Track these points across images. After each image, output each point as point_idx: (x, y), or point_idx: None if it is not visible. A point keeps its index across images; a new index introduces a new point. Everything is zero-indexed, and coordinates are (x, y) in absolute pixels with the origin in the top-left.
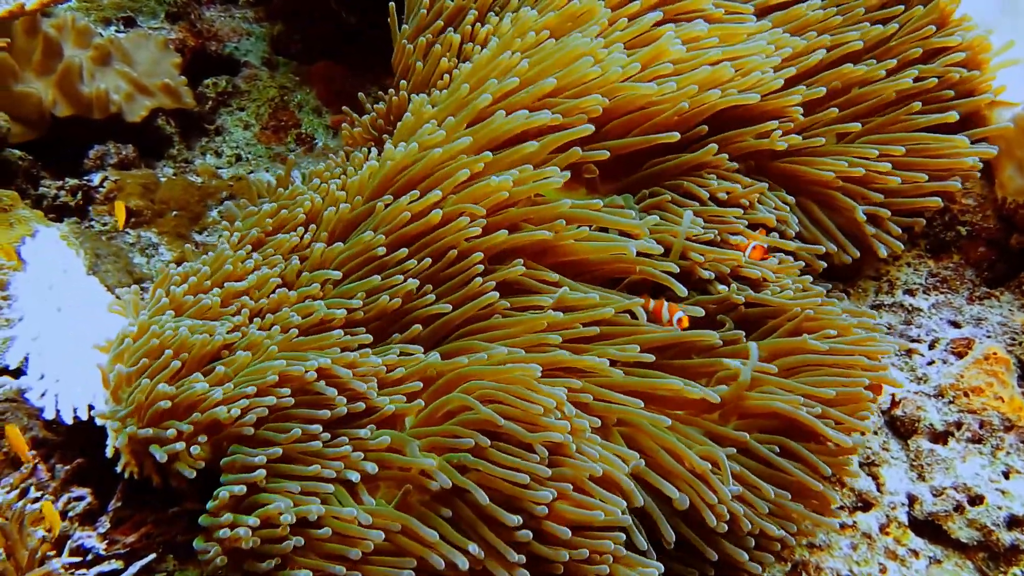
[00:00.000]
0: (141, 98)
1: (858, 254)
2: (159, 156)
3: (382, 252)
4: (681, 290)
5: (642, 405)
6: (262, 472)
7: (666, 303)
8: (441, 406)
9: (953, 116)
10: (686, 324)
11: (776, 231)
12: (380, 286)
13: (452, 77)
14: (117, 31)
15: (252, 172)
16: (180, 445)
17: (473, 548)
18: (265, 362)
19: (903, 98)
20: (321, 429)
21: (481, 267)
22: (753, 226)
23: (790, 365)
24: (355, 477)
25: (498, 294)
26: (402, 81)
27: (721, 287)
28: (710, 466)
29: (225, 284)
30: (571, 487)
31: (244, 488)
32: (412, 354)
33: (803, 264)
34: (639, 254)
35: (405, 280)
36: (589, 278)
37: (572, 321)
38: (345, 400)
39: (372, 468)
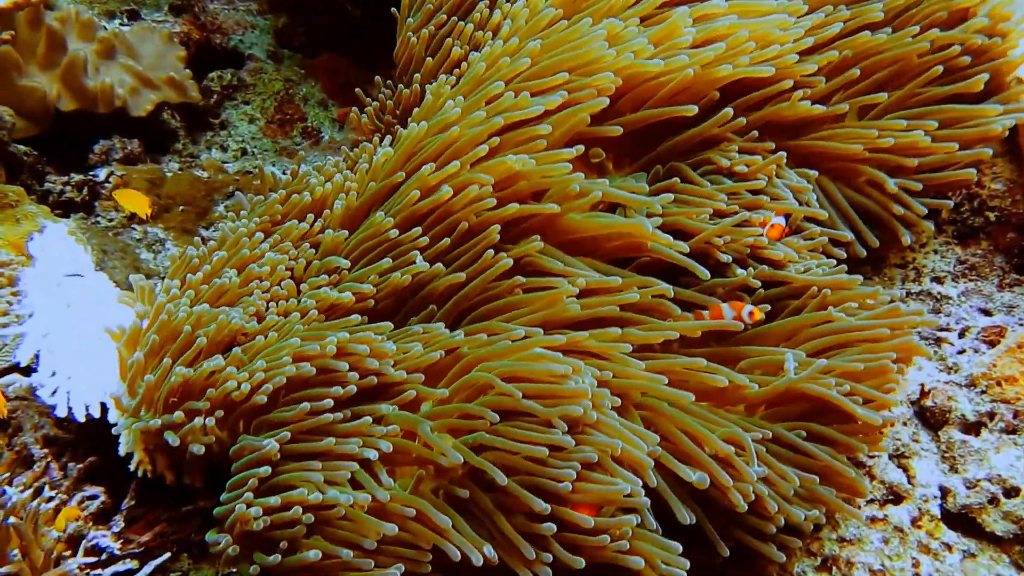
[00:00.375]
0: (146, 92)
1: (877, 243)
2: (164, 151)
3: (395, 234)
4: (704, 273)
5: (666, 381)
6: (275, 446)
7: (725, 304)
8: (460, 388)
9: (980, 82)
10: (759, 317)
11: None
12: (393, 266)
13: (470, 62)
14: (121, 24)
15: (257, 167)
16: (198, 420)
17: (488, 551)
18: (281, 342)
19: (925, 67)
20: (332, 404)
21: (496, 237)
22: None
23: (817, 347)
24: (373, 455)
25: (512, 261)
26: (416, 74)
27: (740, 271)
28: (733, 449)
29: (247, 268)
30: (595, 457)
31: (269, 469)
32: (432, 332)
33: (826, 240)
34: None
35: (417, 259)
36: (599, 257)
37: (596, 304)
38: (357, 376)
39: (387, 446)
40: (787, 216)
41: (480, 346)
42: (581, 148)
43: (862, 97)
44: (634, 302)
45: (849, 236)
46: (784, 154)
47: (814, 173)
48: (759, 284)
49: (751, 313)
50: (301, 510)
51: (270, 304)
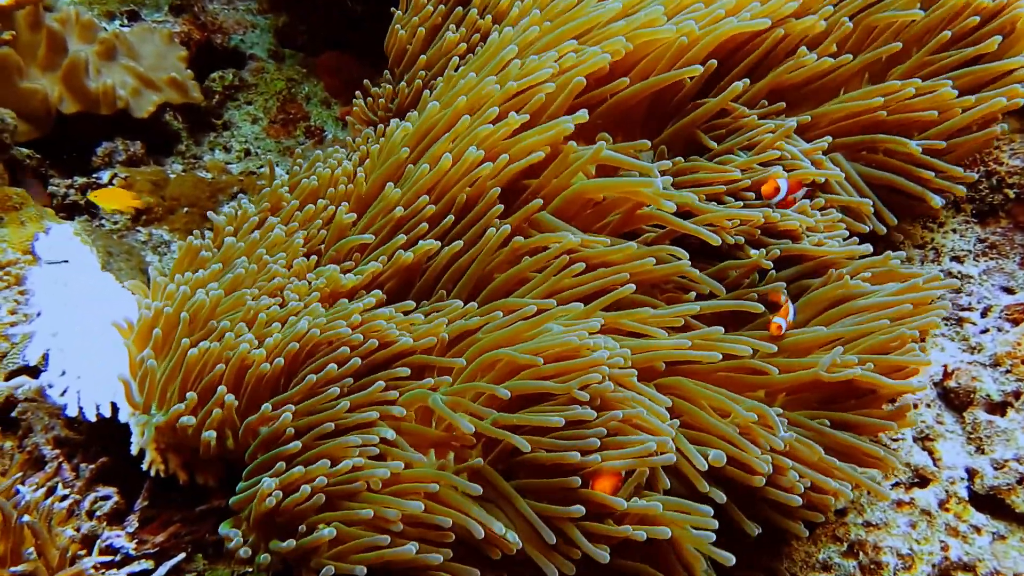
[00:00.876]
0: (148, 93)
1: (895, 221)
2: (167, 152)
3: (400, 212)
4: (715, 240)
5: (689, 345)
6: (288, 416)
7: (792, 306)
8: (475, 371)
9: (995, 43)
10: (776, 332)
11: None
12: (400, 244)
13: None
14: (121, 25)
15: (262, 167)
16: (220, 389)
17: (512, 536)
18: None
19: (933, 27)
20: (346, 375)
21: (498, 204)
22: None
23: (836, 326)
24: (390, 435)
25: (509, 228)
26: (411, 66)
27: (754, 252)
28: (756, 417)
29: (256, 253)
30: (621, 414)
31: (299, 444)
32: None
33: (837, 214)
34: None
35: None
36: (605, 233)
37: (609, 273)
38: (376, 343)
39: (400, 410)
40: (802, 186)
41: (494, 329)
42: (585, 112)
43: (872, 52)
44: (651, 272)
45: (868, 206)
46: (794, 122)
47: (825, 143)
48: (771, 265)
49: (776, 324)
50: (309, 489)
51: (287, 288)
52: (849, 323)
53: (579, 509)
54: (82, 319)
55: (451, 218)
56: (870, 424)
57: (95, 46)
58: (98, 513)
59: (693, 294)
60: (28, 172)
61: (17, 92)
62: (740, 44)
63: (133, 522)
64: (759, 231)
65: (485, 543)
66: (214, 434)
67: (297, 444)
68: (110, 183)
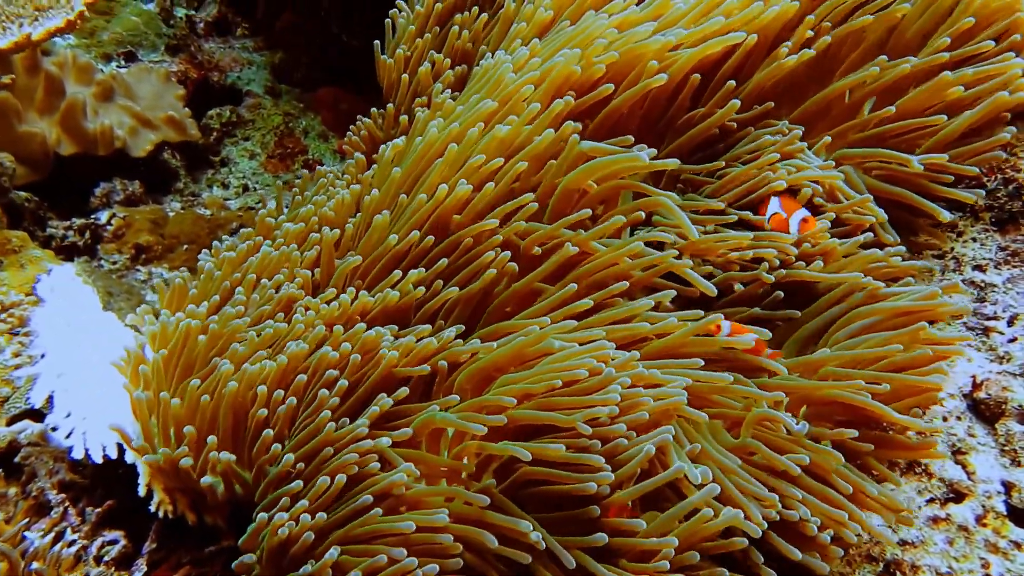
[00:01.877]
0: (145, 132)
1: (897, 240)
2: (166, 191)
3: (394, 240)
4: (693, 233)
5: (702, 364)
6: (290, 457)
7: (725, 322)
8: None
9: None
10: (714, 331)
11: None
12: (393, 280)
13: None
14: (118, 66)
15: (260, 202)
16: (211, 439)
17: (536, 536)
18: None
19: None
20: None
21: (495, 221)
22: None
23: (850, 345)
24: (386, 442)
25: (509, 254)
26: (411, 100)
27: (739, 286)
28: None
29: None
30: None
31: (301, 484)
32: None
33: (827, 228)
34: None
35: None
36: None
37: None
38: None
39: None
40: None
41: (491, 350)
42: (570, 99)
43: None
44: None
45: (881, 216)
46: (799, 132)
47: (832, 163)
48: (772, 279)
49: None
50: (311, 518)
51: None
52: (858, 327)
53: (602, 537)
54: (87, 360)
55: (444, 262)
56: (881, 472)
57: (92, 88)
58: (106, 558)
59: (672, 292)
60: (27, 215)
61: (15, 136)
62: (726, 55)
63: (142, 566)
64: (739, 267)
65: (495, 560)
66: (220, 480)
67: (299, 483)
68: (109, 223)
